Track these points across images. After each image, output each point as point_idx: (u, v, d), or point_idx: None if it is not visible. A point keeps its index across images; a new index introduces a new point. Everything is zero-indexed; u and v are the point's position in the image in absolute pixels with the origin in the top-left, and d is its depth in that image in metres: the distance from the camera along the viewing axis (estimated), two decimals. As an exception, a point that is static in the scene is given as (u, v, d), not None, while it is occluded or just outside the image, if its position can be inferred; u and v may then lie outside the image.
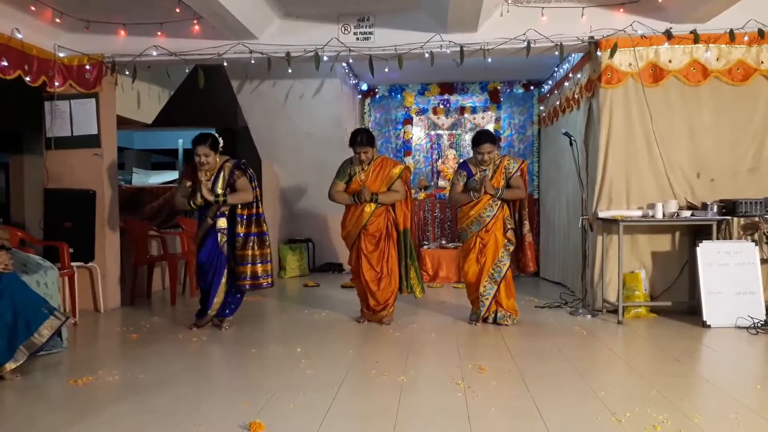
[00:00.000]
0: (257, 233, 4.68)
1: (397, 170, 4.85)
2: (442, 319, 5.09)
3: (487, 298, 4.73)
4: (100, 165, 5.65)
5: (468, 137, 8.47)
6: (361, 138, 4.76)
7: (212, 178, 4.60)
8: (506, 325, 4.74)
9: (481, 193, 4.72)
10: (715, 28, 5.06)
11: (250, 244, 4.65)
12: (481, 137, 4.77)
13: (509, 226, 4.76)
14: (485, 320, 4.82)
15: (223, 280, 4.68)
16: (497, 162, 4.80)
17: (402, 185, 4.88)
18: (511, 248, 4.77)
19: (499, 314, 4.78)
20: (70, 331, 4.43)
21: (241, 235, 4.64)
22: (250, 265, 4.64)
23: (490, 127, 8.26)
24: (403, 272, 4.90)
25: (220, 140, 4.64)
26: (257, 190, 4.70)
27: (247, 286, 4.69)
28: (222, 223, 4.64)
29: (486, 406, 2.93)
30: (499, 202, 4.73)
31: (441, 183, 8.55)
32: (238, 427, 2.68)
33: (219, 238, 4.64)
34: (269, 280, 4.75)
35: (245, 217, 4.67)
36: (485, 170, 4.78)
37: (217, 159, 4.62)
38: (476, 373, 3.48)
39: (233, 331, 4.72)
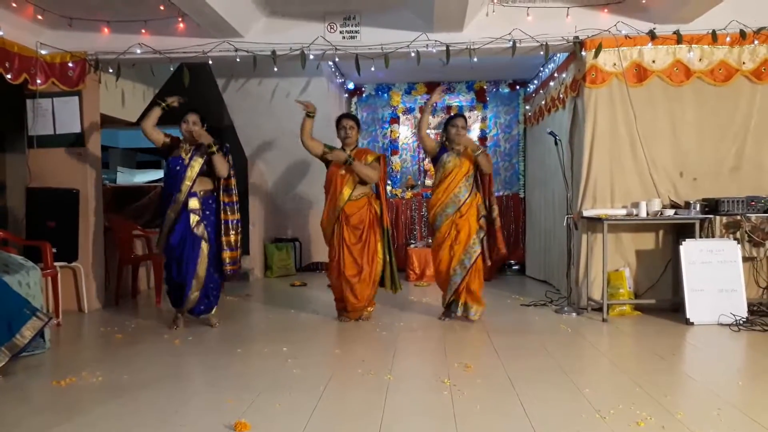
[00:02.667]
0: (239, 220, 4.82)
1: (372, 154, 4.98)
2: (429, 318, 5.09)
3: (456, 282, 4.79)
4: (83, 163, 5.59)
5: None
6: (347, 113, 5.00)
7: (191, 151, 4.68)
8: (472, 321, 4.80)
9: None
10: (697, 28, 5.12)
11: (238, 230, 4.78)
12: (457, 114, 5.11)
13: (482, 213, 4.84)
14: (448, 307, 4.88)
15: (199, 266, 4.56)
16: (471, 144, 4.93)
17: (378, 167, 4.92)
18: (483, 235, 4.85)
19: (471, 310, 4.81)
20: (53, 332, 4.39)
21: (230, 222, 4.72)
22: (236, 251, 4.75)
23: (477, 126, 8.34)
24: (387, 270, 4.94)
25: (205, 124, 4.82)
26: (234, 179, 4.80)
27: (236, 271, 4.81)
28: (194, 203, 4.60)
29: (472, 404, 2.94)
30: (471, 184, 4.82)
31: (428, 182, 8.56)
32: (223, 426, 2.67)
33: (191, 219, 4.56)
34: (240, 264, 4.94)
35: (229, 204, 4.75)
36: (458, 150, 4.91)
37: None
38: (462, 371, 3.49)
39: (219, 331, 4.70)
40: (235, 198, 4.78)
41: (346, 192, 4.82)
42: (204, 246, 4.62)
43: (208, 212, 4.68)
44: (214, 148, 4.61)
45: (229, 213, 4.73)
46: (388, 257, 4.93)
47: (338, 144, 5.07)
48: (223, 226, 4.69)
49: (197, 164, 4.62)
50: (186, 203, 4.58)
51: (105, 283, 5.82)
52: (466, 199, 4.79)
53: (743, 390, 3.22)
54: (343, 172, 4.85)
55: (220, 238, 4.68)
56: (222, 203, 4.71)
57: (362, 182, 4.86)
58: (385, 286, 4.95)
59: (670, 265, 5.19)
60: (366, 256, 4.85)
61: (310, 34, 5.45)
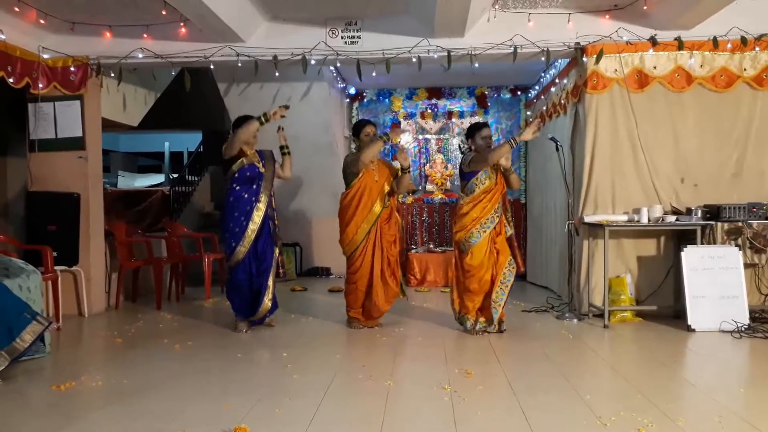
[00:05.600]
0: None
1: (396, 165, 5.01)
2: (429, 324, 5.08)
3: (500, 304, 4.59)
4: (84, 168, 5.59)
5: (456, 141, 8.50)
6: (368, 120, 4.99)
7: (260, 158, 4.84)
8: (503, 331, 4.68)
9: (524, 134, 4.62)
10: (699, 35, 5.12)
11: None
12: (482, 123, 4.87)
13: (510, 231, 4.73)
14: (499, 325, 4.68)
15: (272, 271, 4.76)
16: None
17: None
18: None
19: (503, 325, 4.69)
20: (53, 336, 4.38)
21: (278, 227, 4.94)
22: (282, 255, 4.98)
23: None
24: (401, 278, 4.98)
25: None
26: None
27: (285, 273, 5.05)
28: (270, 211, 4.81)
29: (472, 411, 2.93)
30: (500, 204, 4.67)
31: (429, 187, 8.57)
32: (223, 432, 2.66)
33: (270, 226, 4.80)
34: None
35: (275, 210, 4.94)
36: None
37: None
38: (463, 378, 3.48)
39: (219, 337, 4.69)
40: (275, 205, 4.97)
41: (381, 200, 4.78)
42: (276, 251, 4.86)
43: (273, 217, 4.92)
44: (287, 150, 4.90)
45: (276, 219, 4.94)
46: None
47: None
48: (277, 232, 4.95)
49: (270, 172, 4.81)
50: (266, 213, 4.76)
51: (105, 288, 5.81)
52: (500, 217, 4.64)
53: (744, 397, 3.21)
54: (377, 177, 4.76)
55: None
56: (273, 210, 4.89)
57: (390, 192, 4.88)
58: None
59: (671, 272, 5.18)
60: (396, 265, 4.90)
61: (312, 39, 5.46)
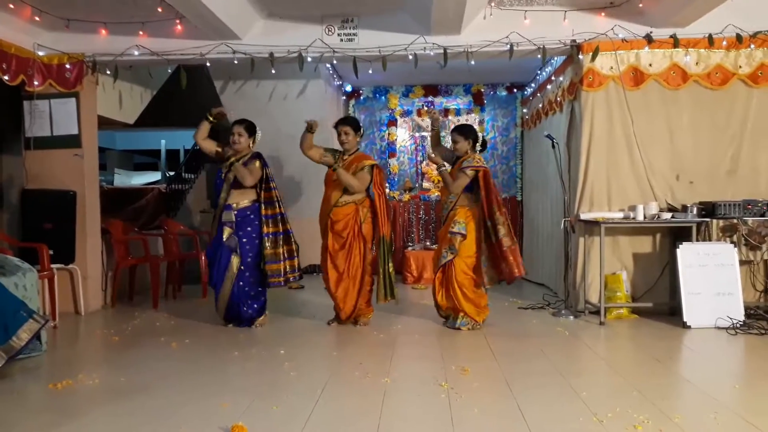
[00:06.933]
0: (283, 231, 4.84)
1: (366, 162, 4.81)
2: (426, 321, 5.09)
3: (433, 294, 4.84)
4: (80, 165, 5.58)
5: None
6: (344, 118, 4.93)
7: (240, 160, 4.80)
8: (460, 329, 4.65)
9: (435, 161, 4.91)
10: (694, 32, 5.13)
11: (280, 242, 4.81)
12: (455, 127, 5.00)
13: (454, 230, 4.62)
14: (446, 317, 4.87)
15: (226, 279, 4.71)
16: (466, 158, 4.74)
17: (366, 177, 4.75)
18: (452, 256, 4.61)
19: (462, 320, 4.67)
20: (49, 334, 4.37)
21: (270, 234, 4.79)
22: (281, 262, 4.80)
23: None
24: (386, 280, 4.73)
25: (258, 133, 4.88)
26: (276, 191, 4.87)
27: (281, 283, 4.85)
28: (228, 216, 4.75)
29: (469, 407, 2.94)
30: (453, 201, 4.71)
31: (425, 185, 8.57)
32: (220, 430, 2.66)
33: (224, 232, 4.74)
34: (297, 274, 4.92)
35: (270, 216, 4.81)
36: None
37: (250, 145, 4.81)
38: (459, 375, 3.49)
39: (215, 335, 4.69)
40: (278, 210, 4.83)
41: (334, 197, 4.76)
42: (233, 259, 4.72)
43: (245, 225, 4.75)
44: (233, 160, 4.74)
45: (271, 226, 4.80)
46: (384, 266, 4.73)
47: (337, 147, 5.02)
48: (264, 239, 4.75)
49: (230, 181, 4.76)
50: (221, 216, 4.76)
51: (102, 286, 5.80)
52: (449, 211, 4.73)
53: (740, 393, 3.23)
54: (335, 177, 4.77)
55: (263, 251, 4.74)
56: (263, 216, 4.78)
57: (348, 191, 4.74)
58: (378, 297, 4.75)
59: (667, 269, 5.20)
60: (348, 266, 4.73)
61: (308, 36, 5.46)
